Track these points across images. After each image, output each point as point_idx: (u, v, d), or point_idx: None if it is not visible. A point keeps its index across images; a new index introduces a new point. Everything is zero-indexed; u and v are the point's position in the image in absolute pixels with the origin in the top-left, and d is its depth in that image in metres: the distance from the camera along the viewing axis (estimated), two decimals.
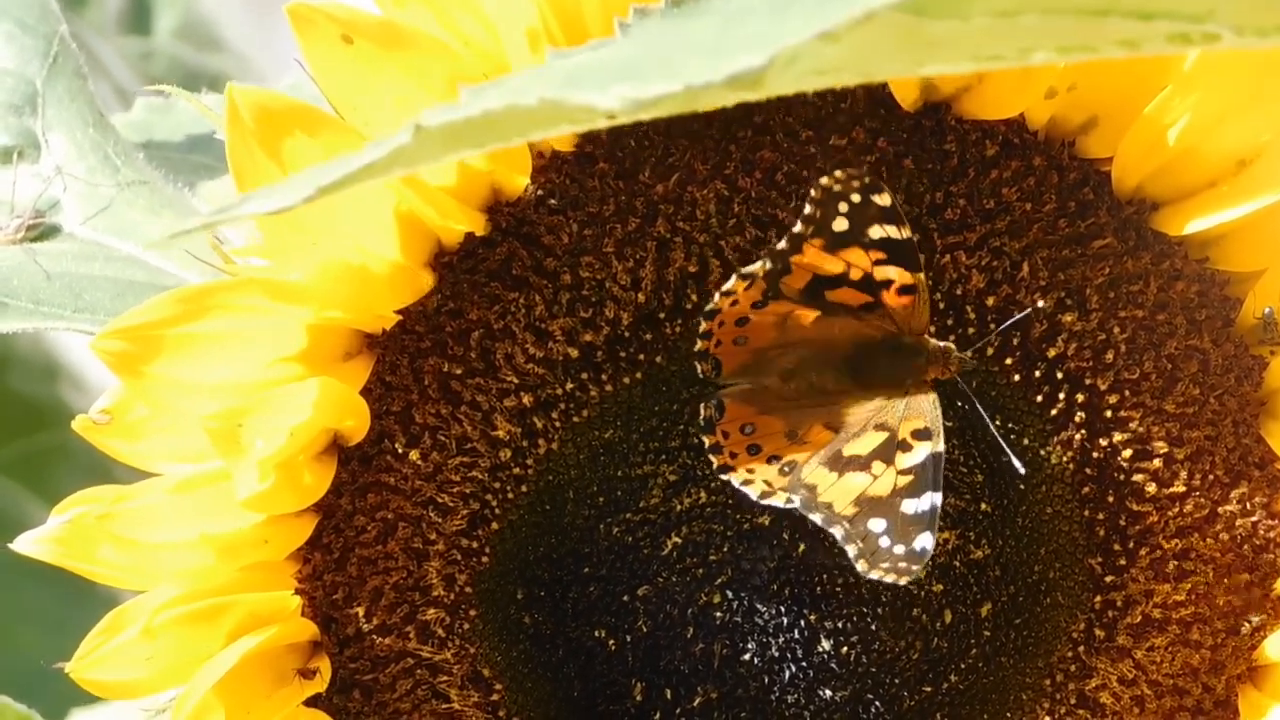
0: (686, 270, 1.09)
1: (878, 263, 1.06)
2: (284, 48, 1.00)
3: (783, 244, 1.06)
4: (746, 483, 1.07)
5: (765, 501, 1.07)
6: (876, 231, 1.05)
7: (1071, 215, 1.11)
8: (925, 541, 1.02)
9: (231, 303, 1.01)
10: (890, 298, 1.06)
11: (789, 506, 1.07)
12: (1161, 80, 1.06)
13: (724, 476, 1.09)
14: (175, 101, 1.70)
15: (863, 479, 1.05)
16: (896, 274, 1.06)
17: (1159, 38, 0.63)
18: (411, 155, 0.68)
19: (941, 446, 1.05)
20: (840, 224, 1.04)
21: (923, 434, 1.06)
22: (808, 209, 1.05)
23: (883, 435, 1.06)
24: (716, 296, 1.07)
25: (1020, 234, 1.11)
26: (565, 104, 0.62)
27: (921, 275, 1.06)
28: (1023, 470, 1.10)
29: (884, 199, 1.04)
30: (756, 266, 1.06)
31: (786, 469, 1.07)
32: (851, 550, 1.03)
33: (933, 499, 1.03)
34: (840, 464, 1.06)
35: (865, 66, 0.64)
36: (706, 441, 1.09)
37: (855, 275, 1.06)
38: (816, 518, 1.04)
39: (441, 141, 0.67)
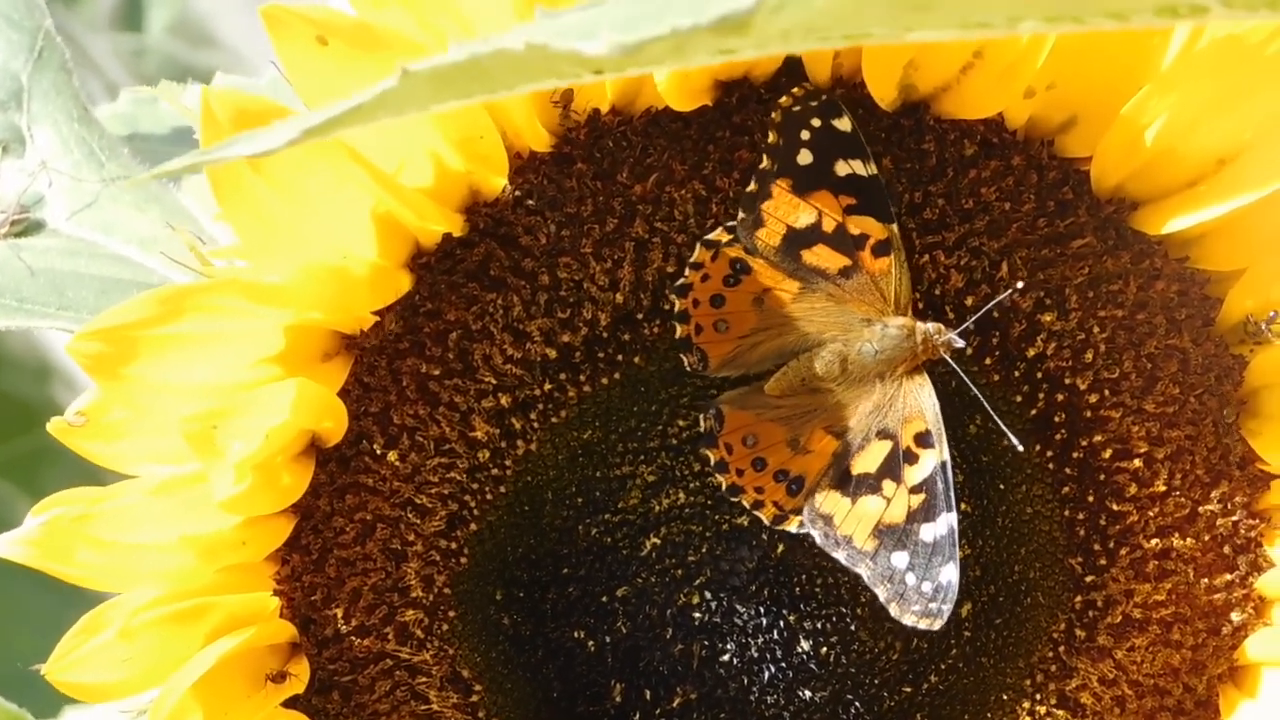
0: (665, 271, 1.09)
1: (849, 210, 1.06)
2: None
3: (752, 185, 1.06)
4: (757, 505, 1.08)
5: (779, 527, 1.08)
6: (842, 168, 1.05)
7: (1051, 215, 1.11)
8: (949, 574, 1.03)
9: (210, 304, 1.01)
10: (867, 258, 1.06)
11: (802, 532, 1.07)
12: (1141, 79, 1.05)
13: (735, 499, 1.09)
14: (160, 95, 1.70)
15: (877, 504, 1.05)
16: (869, 226, 1.06)
17: (1147, 10, 0.62)
18: (398, 100, 0.68)
19: (946, 454, 1.05)
20: (805, 156, 1.05)
21: (925, 439, 1.06)
22: (771, 137, 1.05)
23: (887, 445, 1.06)
24: (687, 271, 1.07)
25: (999, 233, 1.11)
26: (552, 49, 0.62)
27: (894, 227, 1.06)
28: (1021, 447, 1.09)
29: (844, 123, 1.05)
30: (718, 233, 1.07)
31: (795, 487, 1.07)
32: (882, 593, 1.04)
33: (949, 520, 1.03)
34: (851, 486, 1.06)
35: (851, 26, 0.64)
36: (711, 458, 1.09)
37: (828, 226, 1.06)
38: (840, 556, 1.06)
39: (428, 87, 0.67)
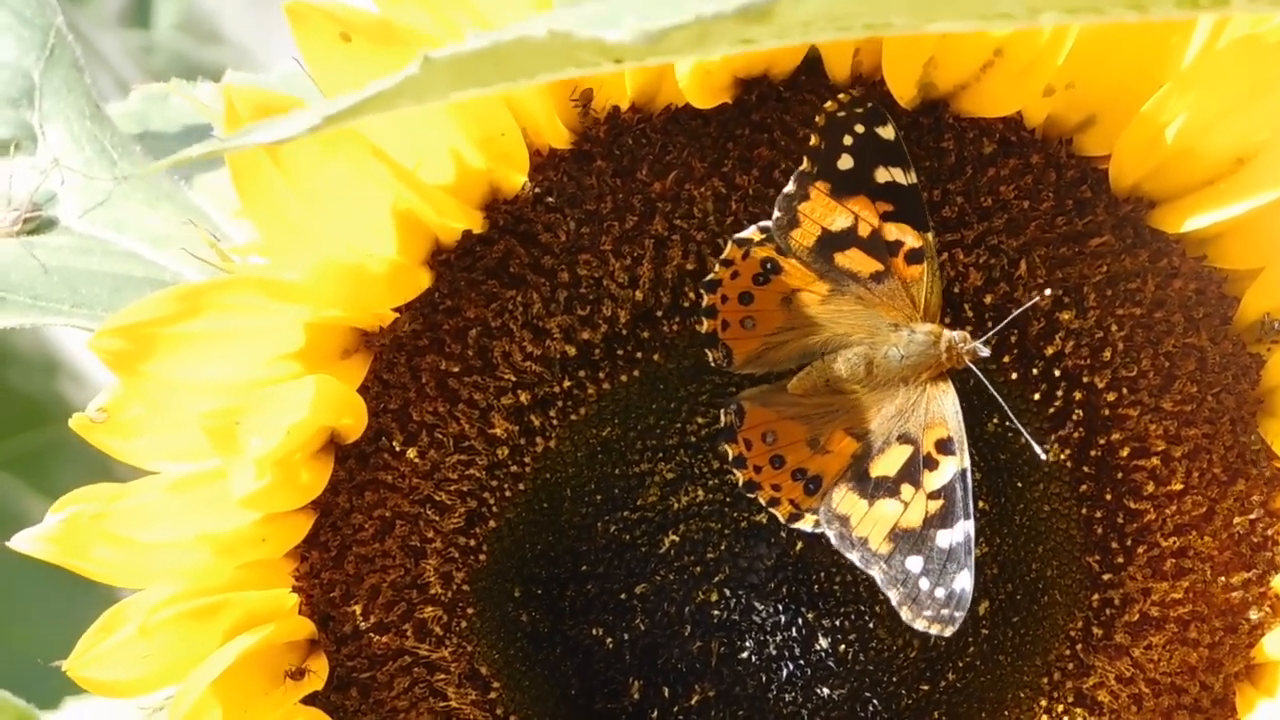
0: (684, 268, 1.09)
1: (885, 216, 1.06)
2: (284, 41, 1.00)
3: (790, 187, 1.06)
4: (773, 502, 1.08)
5: (794, 525, 1.08)
6: (882, 175, 1.05)
7: (1069, 213, 1.11)
8: (964, 582, 1.03)
9: (229, 301, 1.01)
10: (900, 265, 1.06)
11: (817, 531, 1.07)
12: (1159, 78, 1.05)
13: (751, 495, 1.09)
14: (171, 92, 1.70)
15: (894, 507, 1.05)
16: (905, 233, 1.06)
17: (1168, 1, 0.62)
18: (419, 88, 0.68)
19: (967, 462, 1.05)
20: (845, 161, 1.05)
21: (946, 446, 1.06)
22: (813, 140, 1.05)
23: (907, 450, 1.06)
24: (717, 267, 1.07)
25: (1018, 232, 1.11)
26: (574, 38, 0.62)
27: (930, 236, 1.06)
28: (1044, 455, 1.10)
29: (888, 131, 1.05)
30: (752, 232, 1.07)
31: (812, 486, 1.07)
32: (894, 596, 1.04)
33: (965, 528, 1.03)
34: (869, 488, 1.06)
35: (874, 15, 0.64)
36: (730, 453, 1.09)
37: (864, 231, 1.06)
38: (854, 557, 1.05)
39: (450, 75, 0.67)
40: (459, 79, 0.68)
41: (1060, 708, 1.17)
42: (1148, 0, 0.63)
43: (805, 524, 1.08)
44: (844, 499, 1.06)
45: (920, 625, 1.03)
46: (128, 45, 2.58)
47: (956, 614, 1.03)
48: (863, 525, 1.06)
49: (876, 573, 1.05)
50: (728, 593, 1.16)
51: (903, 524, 1.05)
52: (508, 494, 1.12)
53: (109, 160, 1.45)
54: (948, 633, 1.03)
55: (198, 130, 1.66)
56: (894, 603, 1.04)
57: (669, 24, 0.60)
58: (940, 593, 1.03)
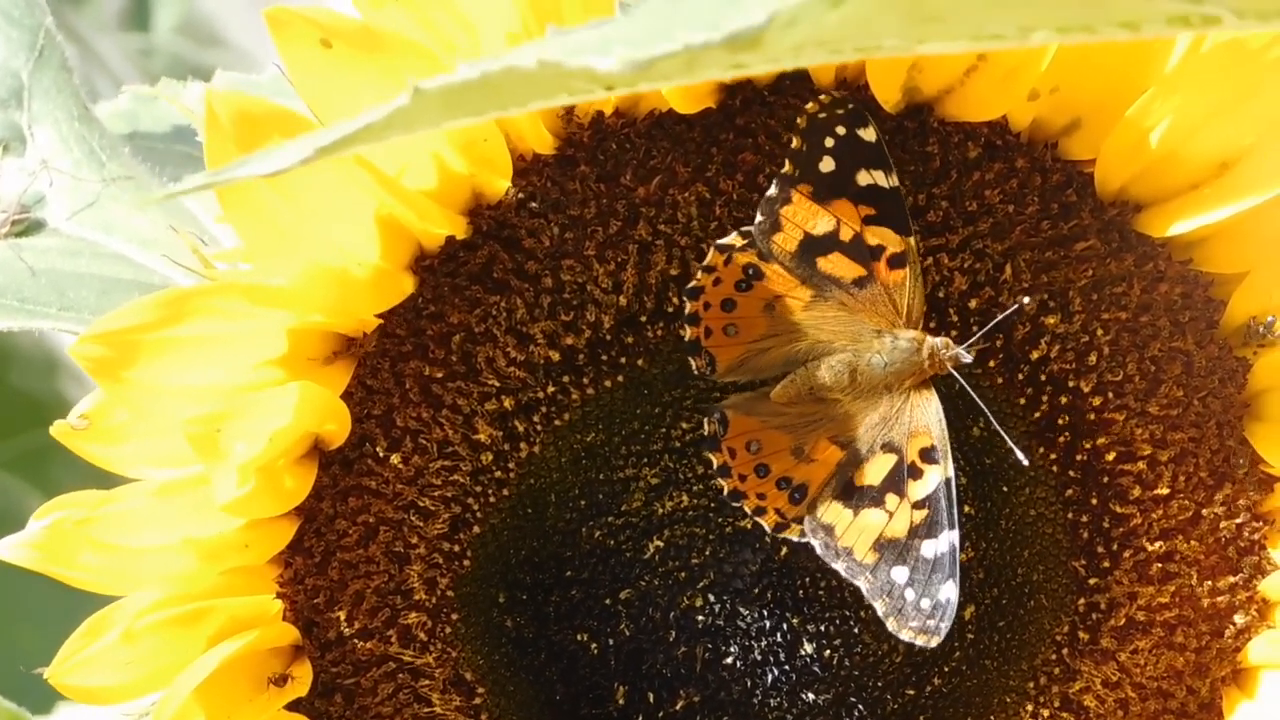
0: (668, 273, 1.09)
1: (867, 220, 1.05)
2: None
3: (772, 190, 1.06)
4: (759, 511, 1.08)
5: (781, 535, 1.07)
6: (864, 178, 1.05)
7: (1054, 217, 1.11)
8: (949, 592, 1.02)
9: (212, 307, 1.01)
10: (882, 270, 1.06)
11: (804, 540, 1.06)
12: (1144, 82, 1.05)
13: (736, 504, 1.08)
14: (160, 93, 1.70)
15: (879, 517, 1.05)
16: (886, 238, 1.06)
17: (1159, 19, 0.62)
18: (409, 118, 0.67)
19: (951, 471, 1.05)
20: (827, 164, 1.04)
21: (930, 455, 1.05)
22: (794, 143, 1.05)
23: (892, 459, 1.06)
24: (699, 274, 1.07)
25: (1003, 236, 1.10)
26: (564, 67, 0.61)
27: (912, 240, 1.06)
28: (1027, 462, 1.09)
29: (869, 133, 1.04)
30: (733, 237, 1.06)
31: (798, 495, 1.07)
32: (880, 607, 1.03)
33: (950, 538, 1.03)
34: (854, 498, 1.06)
35: (864, 39, 0.63)
36: (715, 461, 1.09)
37: (846, 235, 1.06)
38: (839, 567, 1.05)
39: (440, 105, 0.67)
40: (450, 109, 0.68)
41: (1046, 712, 1.16)
42: (1139, 19, 0.62)
43: (792, 534, 1.08)
44: (829, 509, 1.06)
45: (906, 636, 1.03)
46: (127, 48, 2.58)
47: (942, 624, 1.02)
48: (848, 535, 1.05)
49: (862, 583, 1.04)
50: (712, 598, 1.16)
51: (888, 534, 1.04)
52: (492, 499, 1.11)
53: (98, 162, 1.45)
54: (933, 643, 1.03)
55: (187, 130, 1.65)
56: (880, 613, 1.04)
57: (658, 53, 0.60)
58: (926, 603, 1.03)
